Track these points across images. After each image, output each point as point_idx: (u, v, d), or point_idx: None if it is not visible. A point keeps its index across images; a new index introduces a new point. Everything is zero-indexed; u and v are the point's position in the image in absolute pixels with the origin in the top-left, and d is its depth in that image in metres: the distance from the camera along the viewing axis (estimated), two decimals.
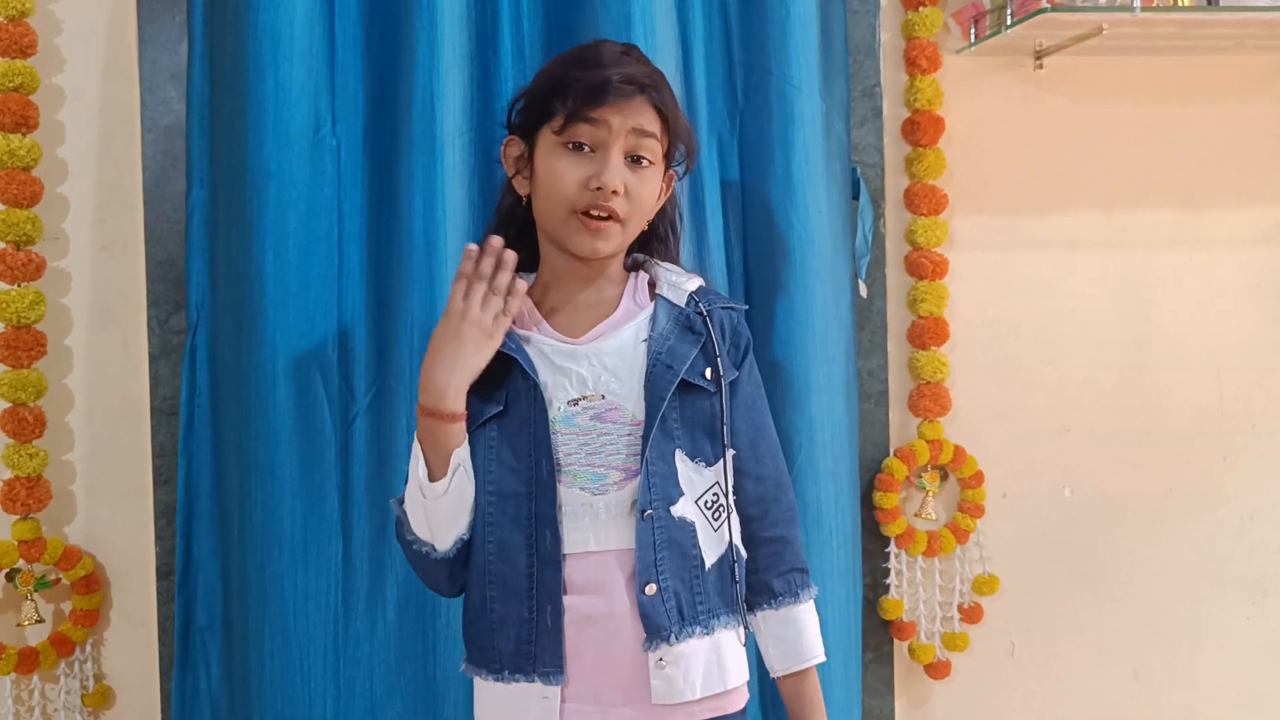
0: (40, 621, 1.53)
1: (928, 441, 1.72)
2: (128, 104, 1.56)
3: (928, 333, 1.72)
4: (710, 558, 1.20)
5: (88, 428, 1.57)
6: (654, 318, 1.21)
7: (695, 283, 1.25)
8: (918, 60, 1.70)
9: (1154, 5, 1.61)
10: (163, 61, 1.55)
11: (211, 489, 1.49)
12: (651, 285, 1.26)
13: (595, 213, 1.17)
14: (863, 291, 1.69)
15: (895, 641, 1.76)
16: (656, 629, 1.15)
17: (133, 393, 1.56)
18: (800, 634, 1.24)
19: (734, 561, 1.22)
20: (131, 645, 1.58)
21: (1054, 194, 1.79)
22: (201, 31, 1.48)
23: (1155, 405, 1.83)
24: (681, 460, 1.19)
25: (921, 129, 1.70)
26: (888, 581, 1.74)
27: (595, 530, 1.16)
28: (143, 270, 1.56)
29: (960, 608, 1.76)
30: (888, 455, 1.73)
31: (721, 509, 1.21)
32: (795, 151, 1.53)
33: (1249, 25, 1.69)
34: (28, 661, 1.51)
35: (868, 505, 1.73)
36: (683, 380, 1.18)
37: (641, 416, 1.17)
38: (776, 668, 1.25)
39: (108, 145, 1.56)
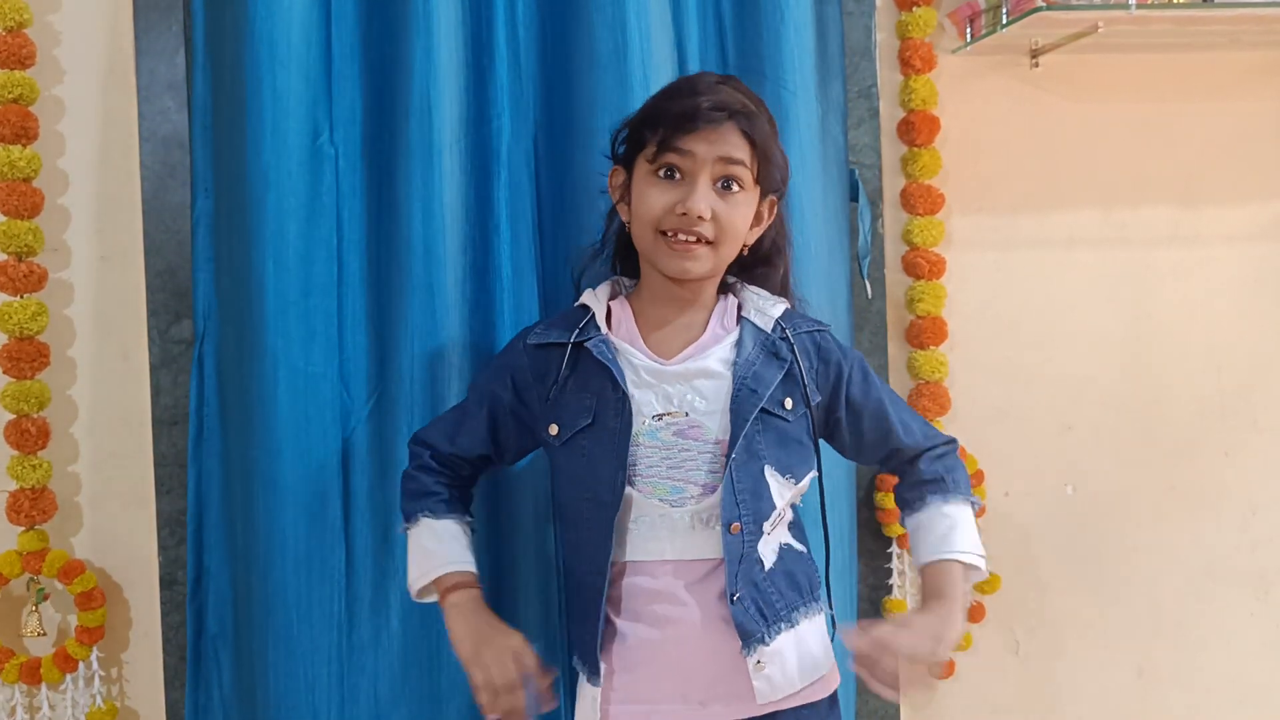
0: (43, 634, 1.53)
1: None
2: (126, 114, 1.56)
3: (926, 332, 1.72)
4: (768, 561, 1.23)
5: (90, 438, 1.57)
6: (739, 342, 1.25)
7: (781, 307, 1.29)
8: (912, 60, 1.70)
9: (1149, 3, 1.61)
10: (160, 72, 1.55)
11: (221, 498, 1.49)
12: (740, 309, 1.29)
13: (682, 236, 1.20)
14: (868, 292, 1.69)
15: None
16: (749, 634, 1.19)
17: (134, 403, 1.57)
18: (951, 528, 1.29)
19: (825, 559, 1.29)
20: (136, 657, 1.58)
21: (1051, 192, 1.79)
22: (203, 41, 1.48)
23: (1156, 402, 1.83)
24: (772, 476, 1.22)
25: (916, 129, 1.71)
26: (890, 582, 1.74)
27: (673, 540, 1.21)
28: (142, 280, 1.56)
29: None
30: None
31: (779, 518, 1.25)
32: (791, 154, 1.52)
33: (1244, 21, 1.69)
34: (31, 673, 1.51)
35: (869, 506, 1.73)
36: (763, 407, 1.22)
37: (722, 436, 1.21)
38: (920, 558, 1.30)
39: (106, 156, 1.56)
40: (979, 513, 1.74)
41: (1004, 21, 1.64)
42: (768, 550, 1.23)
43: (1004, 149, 1.78)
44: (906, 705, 1.77)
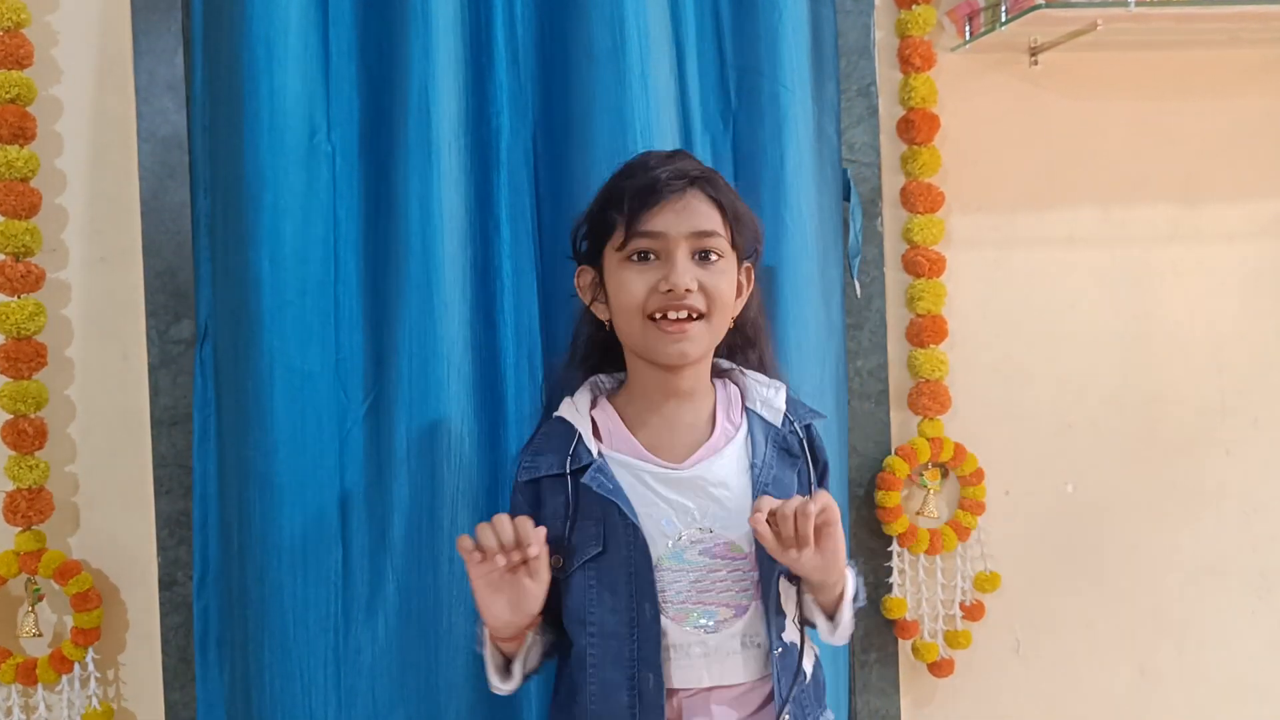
0: (39, 635, 1.52)
1: (928, 439, 1.72)
2: (124, 115, 1.55)
3: (926, 331, 1.72)
4: (809, 672, 1.20)
5: (89, 439, 1.56)
6: (751, 439, 1.19)
7: (782, 395, 1.23)
8: (911, 59, 1.70)
9: (1148, 0, 1.61)
10: (159, 72, 1.55)
11: (218, 498, 1.49)
12: (743, 398, 1.23)
13: (672, 314, 1.15)
14: (858, 291, 1.69)
15: (899, 641, 1.76)
16: None
17: (133, 403, 1.56)
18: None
19: (819, 661, 1.23)
20: (133, 658, 1.58)
21: (1051, 190, 1.79)
22: (200, 40, 1.48)
23: (1156, 400, 1.83)
24: (784, 585, 1.18)
25: (916, 127, 1.71)
26: (890, 581, 1.73)
27: (709, 667, 1.15)
28: (141, 281, 1.56)
29: (962, 605, 1.76)
30: (889, 454, 1.73)
31: (799, 619, 1.20)
32: (788, 153, 1.52)
33: (1243, 19, 1.69)
34: (27, 674, 1.51)
35: (869, 505, 1.73)
36: None
37: (749, 548, 1.15)
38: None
39: (104, 156, 1.56)
40: (977, 510, 1.75)
41: (1003, 19, 1.63)
42: (808, 662, 1.20)
43: (1003, 147, 1.77)
44: (907, 700, 1.77)
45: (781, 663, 1.16)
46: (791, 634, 1.18)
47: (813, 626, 1.21)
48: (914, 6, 1.70)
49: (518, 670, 1.18)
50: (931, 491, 1.74)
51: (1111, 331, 1.81)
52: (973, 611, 1.76)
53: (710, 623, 1.15)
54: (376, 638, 1.42)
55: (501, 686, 1.18)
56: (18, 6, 1.48)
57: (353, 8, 1.45)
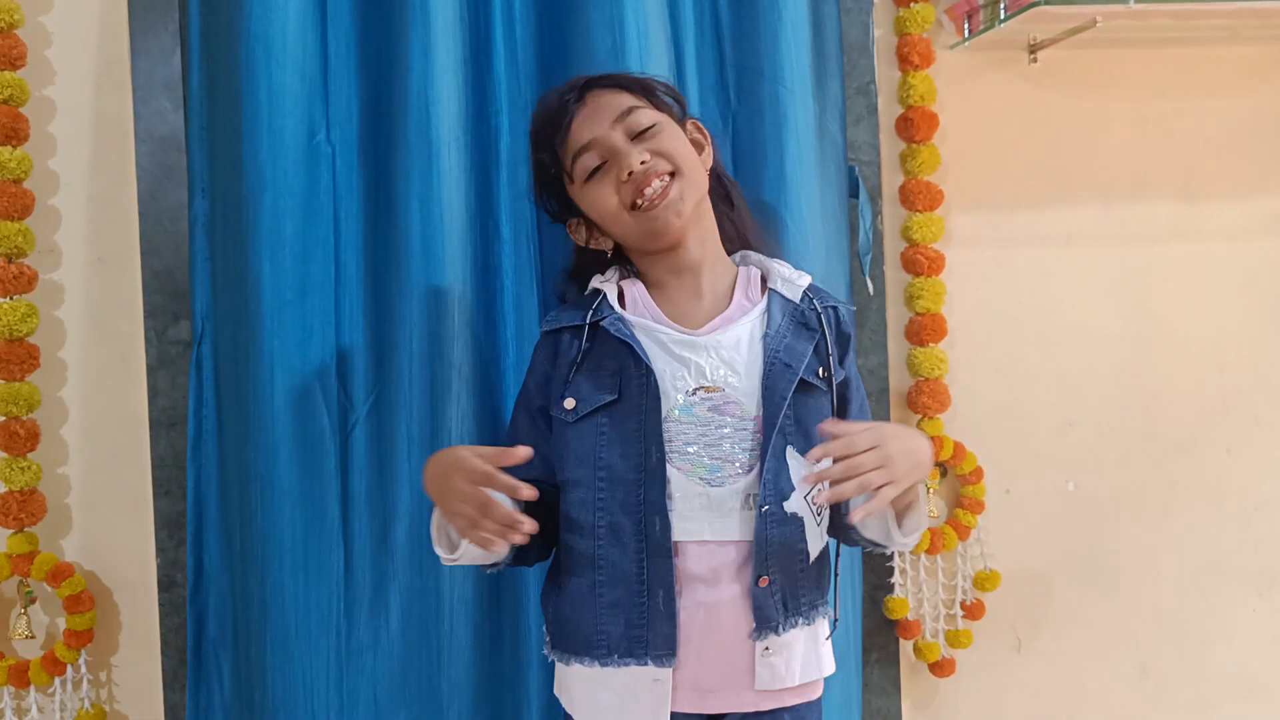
0: (31, 637, 1.52)
1: (928, 439, 1.71)
2: (121, 115, 1.55)
3: (925, 329, 1.72)
4: (814, 551, 1.21)
5: (85, 440, 1.56)
6: (769, 313, 1.23)
7: (806, 279, 1.27)
8: (910, 57, 1.70)
9: None
10: (156, 72, 1.54)
11: (219, 499, 1.48)
12: (763, 280, 1.27)
13: (647, 191, 1.19)
14: (869, 289, 1.69)
15: (900, 641, 1.76)
16: (766, 620, 1.17)
17: (131, 405, 1.56)
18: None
19: (834, 555, 1.26)
20: (133, 660, 1.57)
21: (1051, 188, 1.79)
22: (198, 41, 1.47)
23: (1157, 398, 1.83)
24: (793, 456, 1.20)
25: (915, 125, 1.70)
26: (891, 580, 1.73)
27: (710, 521, 1.18)
28: (139, 282, 1.55)
29: (963, 604, 1.75)
30: None
31: (823, 505, 1.22)
32: (788, 152, 1.52)
33: (1243, 16, 1.69)
34: (19, 676, 1.51)
35: None
36: (801, 378, 1.20)
37: (757, 412, 1.19)
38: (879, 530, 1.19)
39: (101, 157, 1.55)
40: (976, 509, 1.75)
41: (1002, 17, 1.63)
42: (816, 542, 1.22)
43: (1003, 145, 1.77)
44: (908, 701, 1.76)
45: (772, 527, 1.17)
46: (796, 506, 1.19)
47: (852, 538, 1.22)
48: (913, 4, 1.70)
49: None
50: (931, 490, 1.73)
51: (1112, 329, 1.81)
52: (973, 611, 1.75)
53: (714, 476, 1.18)
54: (378, 639, 1.43)
55: (449, 556, 1.16)
56: (11, 7, 1.47)
57: (351, 7, 1.45)
